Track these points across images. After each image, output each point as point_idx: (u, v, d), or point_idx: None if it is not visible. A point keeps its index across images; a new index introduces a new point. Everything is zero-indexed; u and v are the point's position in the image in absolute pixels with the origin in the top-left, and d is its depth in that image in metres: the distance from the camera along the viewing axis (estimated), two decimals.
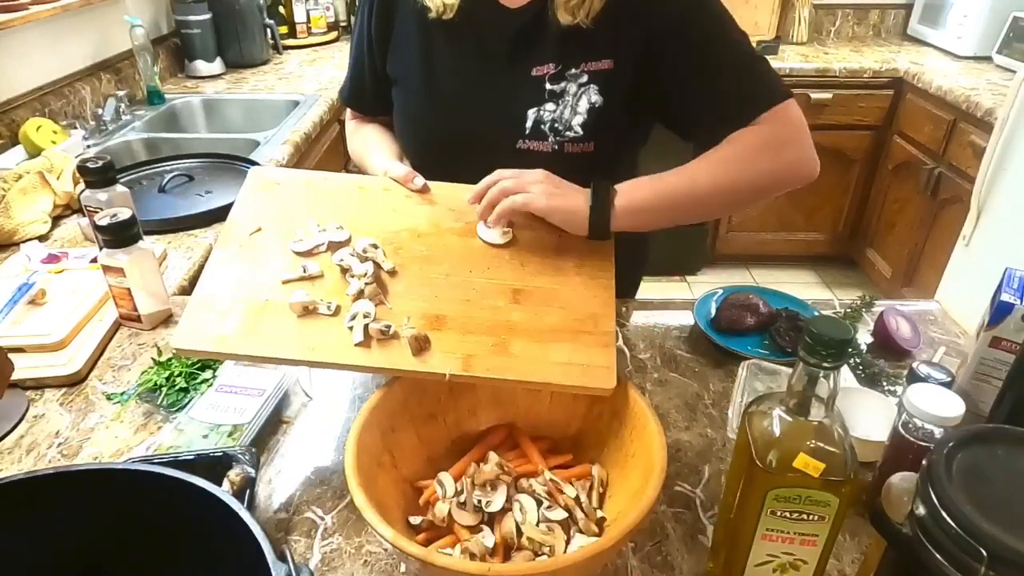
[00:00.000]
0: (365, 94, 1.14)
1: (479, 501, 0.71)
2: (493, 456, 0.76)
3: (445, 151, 1.05)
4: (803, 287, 3.25)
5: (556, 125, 0.97)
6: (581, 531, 0.70)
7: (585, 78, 0.96)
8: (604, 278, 0.84)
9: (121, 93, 2.11)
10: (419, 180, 0.94)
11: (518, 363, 0.75)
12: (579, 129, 0.97)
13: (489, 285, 0.83)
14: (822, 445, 0.55)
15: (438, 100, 1.04)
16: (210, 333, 0.77)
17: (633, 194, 0.89)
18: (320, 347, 0.76)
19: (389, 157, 1.07)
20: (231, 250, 0.85)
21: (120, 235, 1.00)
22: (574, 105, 0.96)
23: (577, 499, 0.71)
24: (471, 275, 0.83)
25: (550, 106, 0.97)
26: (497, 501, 0.70)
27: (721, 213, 0.86)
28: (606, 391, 0.74)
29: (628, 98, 0.97)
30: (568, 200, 0.87)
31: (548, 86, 0.97)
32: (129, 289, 1.03)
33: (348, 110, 1.23)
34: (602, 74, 0.96)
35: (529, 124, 0.98)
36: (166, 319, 1.10)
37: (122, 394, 0.94)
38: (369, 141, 1.14)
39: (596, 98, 0.96)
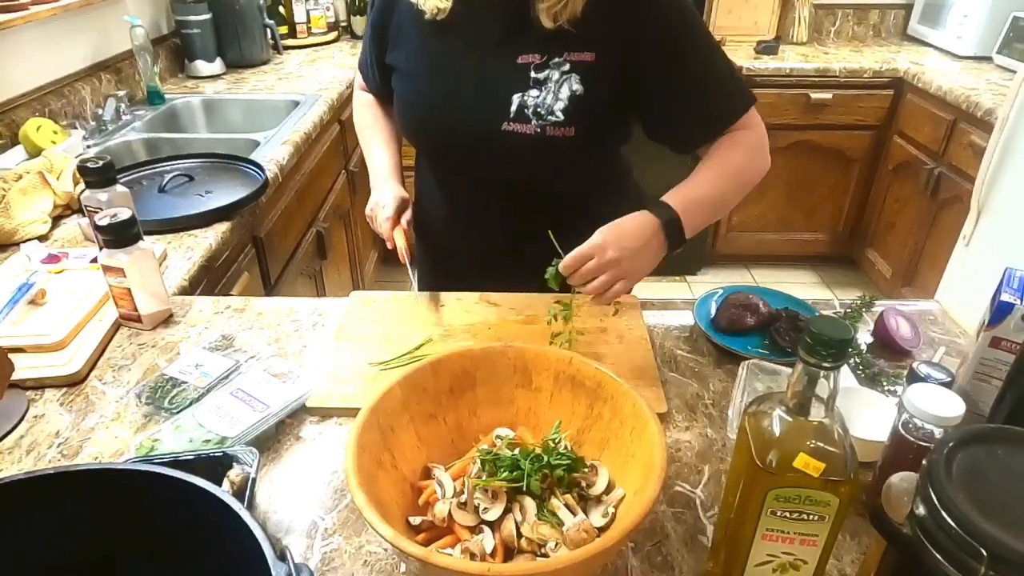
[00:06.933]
0: (370, 78, 1.27)
1: (479, 507, 0.71)
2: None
3: (437, 133, 1.12)
4: (803, 287, 3.25)
5: (539, 110, 1.02)
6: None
7: (567, 67, 1.01)
8: (639, 335, 1.06)
9: (121, 93, 2.10)
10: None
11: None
12: (560, 114, 1.01)
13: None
14: (822, 445, 0.55)
15: (430, 85, 1.10)
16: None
17: (689, 217, 0.99)
18: None
19: (384, 159, 1.22)
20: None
21: (120, 235, 1.00)
22: (556, 91, 1.01)
23: (579, 484, 0.73)
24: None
25: (534, 92, 1.02)
26: (496, 510, 0.70)
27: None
28: (659, 412, 0.89)
29: (610, 91, 1.02)
30: (649, 261, 0.98)
31: (532, 74, 1.02)
32: (129, 289, 1.03)
33: (357, 74, 1.34)
34: (583, 65, 1.00)
35: (513, 108, 1.02)
36: (166, 319, 1.10)
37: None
38: (368, 123, 1.29)
39: (577, 87, 1.01)
